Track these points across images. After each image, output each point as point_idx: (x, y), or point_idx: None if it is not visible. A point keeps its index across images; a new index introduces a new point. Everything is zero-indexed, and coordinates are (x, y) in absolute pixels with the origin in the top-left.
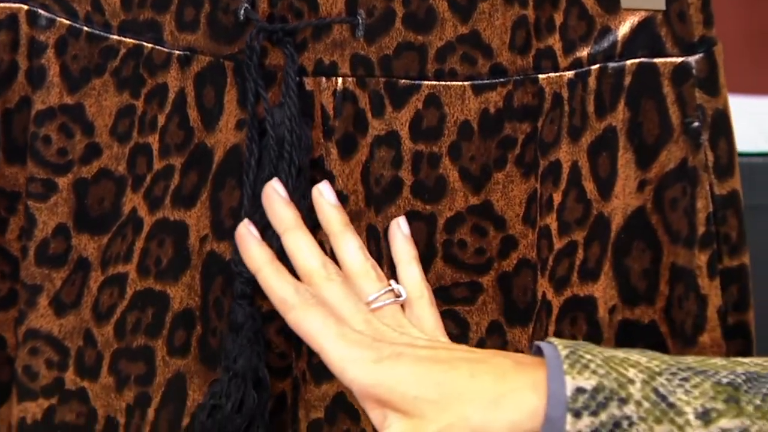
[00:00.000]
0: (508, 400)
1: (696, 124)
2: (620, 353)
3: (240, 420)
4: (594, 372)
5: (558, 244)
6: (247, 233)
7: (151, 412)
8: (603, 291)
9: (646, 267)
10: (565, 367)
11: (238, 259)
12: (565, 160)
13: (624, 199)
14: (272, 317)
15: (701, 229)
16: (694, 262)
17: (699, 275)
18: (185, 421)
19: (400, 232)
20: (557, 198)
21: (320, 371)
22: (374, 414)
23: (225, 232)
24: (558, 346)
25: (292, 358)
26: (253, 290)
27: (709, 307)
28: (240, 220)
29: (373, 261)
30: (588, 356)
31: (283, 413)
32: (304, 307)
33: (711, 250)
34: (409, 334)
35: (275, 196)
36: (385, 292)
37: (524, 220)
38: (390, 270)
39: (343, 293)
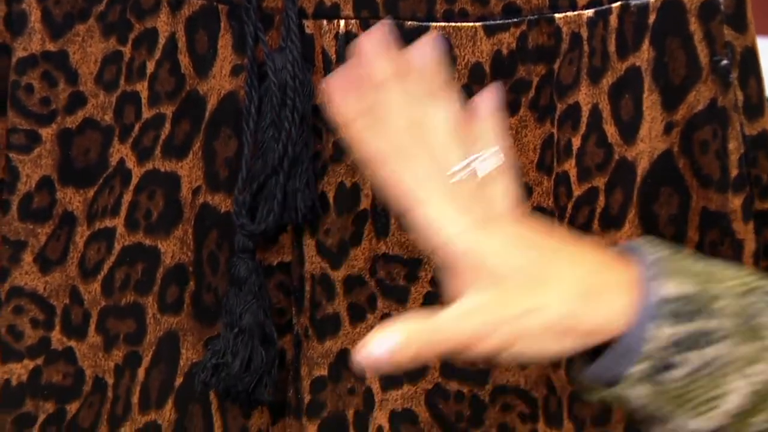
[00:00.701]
0: (599, 295)
1: (725, 62)
2: (715, 266)
3: (248, 378)
4: (684, 281)
5: (577, 191)
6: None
7: (141, 372)
8: (628, 239)
9: (673, 213)
10: (656, 272)
11: (239, 211)
12: (584, 102)
13: (650, 143)
14: (271, 272)
15: (734, 172)
16: (728, 206)
17: (734, 219)
18: (178, 380)
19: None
20: (576, 142)
21: (324, 327)
22: (454, 281)
23: (220, 183)
24: (652, 250)
25: (291, 314)
26: (255, 244)
27: (744, 252)
28: (237, 170)
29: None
30: (680, 264)
31: (283, 371)
32: (406, 155)
33: (745, 193)
34: (499, 206)
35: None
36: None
37: (538, 167)
38: (398, 222)
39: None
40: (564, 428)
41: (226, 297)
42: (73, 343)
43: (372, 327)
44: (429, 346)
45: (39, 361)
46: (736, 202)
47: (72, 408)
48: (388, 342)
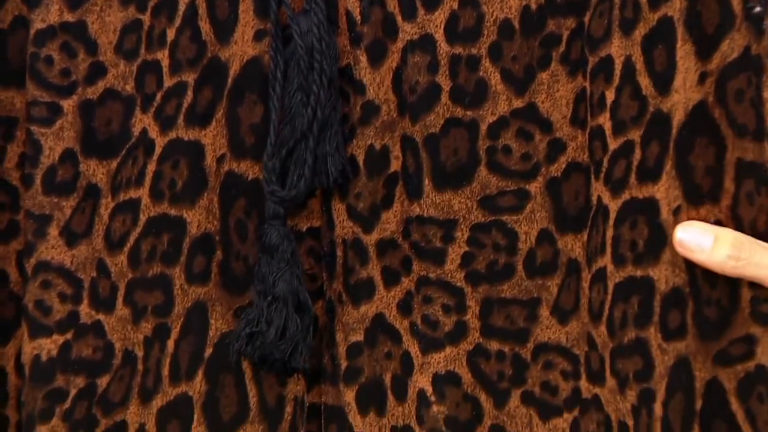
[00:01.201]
0: None
1: (758, 9)
2: None
3: (284, 346)
4: None
5: (613, 145)
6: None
7: (170, 344)
8: (666, 192)
9: (710, 164)
10: None
11: (269, 178)
12: (617, 55)
13: (685, 94)
14: (301, 238)
15: None
16: (765, 155)
17: None
18: (208, 351)
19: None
20: (610, 96)
21: (359, 292)
22: None
23: (246, 150)
24: None
25: (323, 280)
26: (286, 210)
27: None
28: (264, 136)
29: None
30: None
31: (315, 337)
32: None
33: None
34: None
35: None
36: None
37: (572, 122)
38: (433, 183)
39: None
40: (606, 384)
41: (257, 265)
42: (101, 317)
43: (407, 290)
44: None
45: (68, 335)
46: None
47: (102, 382)
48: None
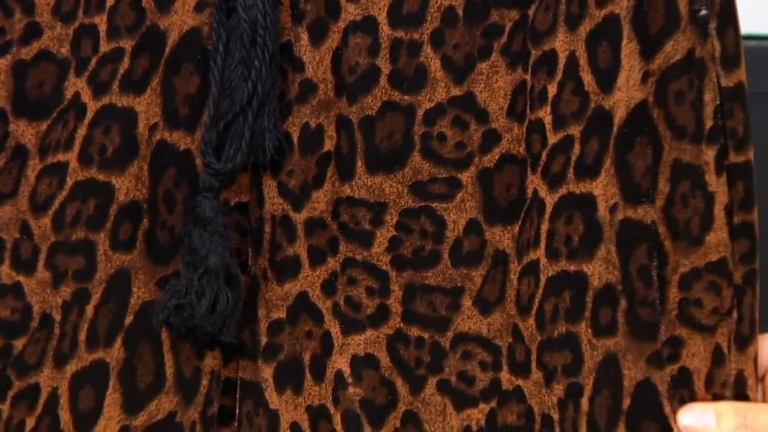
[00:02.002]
0: None
1: (704, 12)
2: None
3: (215, 319)
4: None
5: (552, 139)
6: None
7: (90, 309)
8: (604, 188)
9: (648, 164)
10: None
11: (206, 150)
12: (561, 49)
13: (627, 92)
14: (228, 212)
15: (709, 123)
16: (702, 157)
17: (706, 171)
18: (128, 319)
19: None
20: (552, 90)
21: (284, 269)
22: None
23: (179, 120)
24: None
25: (247, 255)
26: (221, 183)
27: (716, 205)
28: (198, 108)
29: None
30: None
31: None
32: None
33: (718, 145)
34: None
35: None
36: None
37: (509, 114)
38: (365, 165)
39: None
40: (532, 376)
41: (188, 236)
42: (21, 278)
43: (332, 270)
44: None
45: None
46: (709, 153)
47: (19, 344)
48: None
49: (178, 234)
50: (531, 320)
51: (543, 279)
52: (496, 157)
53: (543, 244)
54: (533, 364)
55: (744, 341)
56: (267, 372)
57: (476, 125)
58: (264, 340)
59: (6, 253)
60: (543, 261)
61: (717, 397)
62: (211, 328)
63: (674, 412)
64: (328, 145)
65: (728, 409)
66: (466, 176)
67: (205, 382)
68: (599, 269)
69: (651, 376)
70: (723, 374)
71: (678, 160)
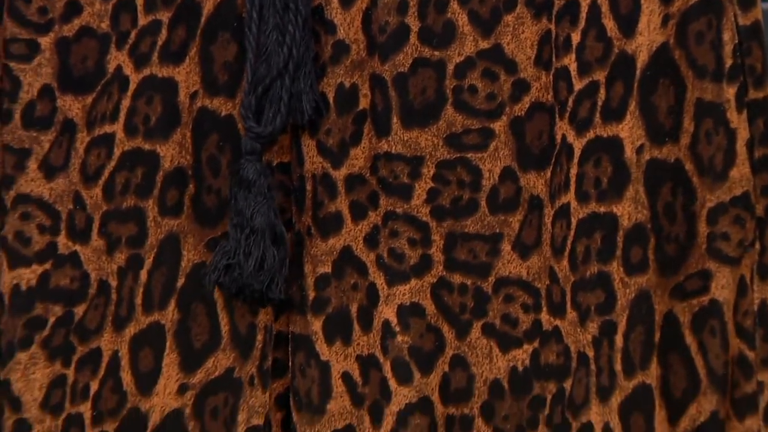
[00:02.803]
0: None
1: None
2: None
3: (263, 277)
4: None
5: (578, 85)
6: None
7: (143, 274)
8: (630, 131)
9: (671, 104)
10: None
11: (246, 114)
12: None
13: (649, 36)
14: (271, 172)
15: (728, 62)
16: (723, 95)
17: (728, 109)
18: (180, 281)
19: None
20: (576, 38)
21: (327, 224)
22: None
23: (219, 87)
24: None
25: (291, 213)
26: (262, 146)
27: (738, 141)
28: (237, 74)
29: None
30: None
31: None
32: None
33: (738, 83)
34: None
35: None
36: None
37: (536, 63)
38: (401, 121)
39: None
40: (567, 316)
41: (233, 199)
42: (77, 248)
43: (374, 224)
44: None
45: (47, 265)
46: (730, 91)
47: (79, 311)
48: None
49: (224, 197)
50: (564, 262)
51: (574, 221)
52: (527, 105)
53: (573, 187)
54: (568, 305)
55: (767, 271)
56: (316, 325)
57: (505, 76)
58: (312, 294)
59: (62, 224)
60: (573, 204)
61: (740, 328)
62: (259, 286)
63: (696, 342)
64: (363, 103)
65: None
66: (498, 126)
67: (260, 337)
68: (628, 209)
69: (673, 308)
70: (746, 304)
71: (700, 99)
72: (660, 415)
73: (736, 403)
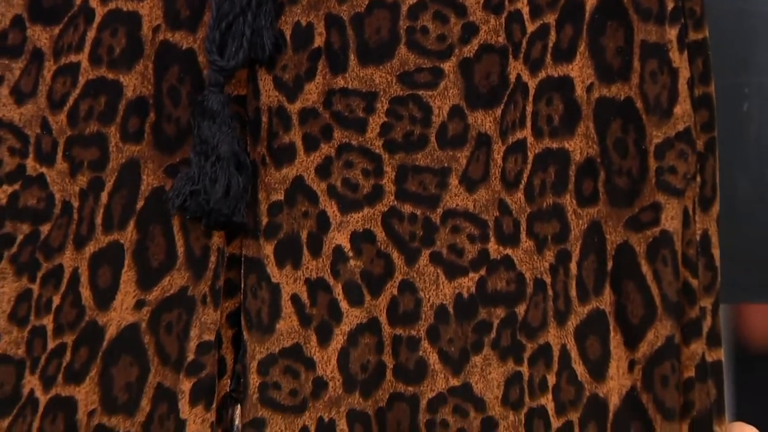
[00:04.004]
0: None
1: None
2: None
3: (230, 203)
4: None
5: (530, 27)
6: None
7: (104, 196)
8: (579, 70)
9: (620, 45)
10: None
11: (211, 48)
12: None
13: None
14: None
15: (670, 5)
16: (666, 37)
17: (670, 49)
18: (140, 204)
19: None
20: None
21: (281, 155)
22: None
23: (181, 22)
24: None
25: (246, 143)
26: (225, 79)
27: (680, 80)
28: (199, 10)
29: None
30: None
31: None
32: None
33: (680, 25)
34: None
35: None
36: None
37: (485, 7)
38: (357, 58)
39: None
40: (521, 245)
41: (197, 128)
42: (44, 170)
43: (326, 156)
44: None
45: (16, 186)
46: (672, 33)
47: (45, 229)
48: None
49: (183, 125)
50: (519, 194)
51: (530, 156)
52: (475, 47)
53: (529, 124)
54: (523, 234)
55: (707, 203)
56: (268, 249)
57: (455, 19)
58: (264, 220)
59: (30, 147)
60: (530, 140)
61: (685, 258)
62: (226, 211)
63: (652, 271)
64: (318, 41)
65: None
66: (447, 66)
67: (213, 258)
68: (580, 145)
69: (628, 239)
70: (689, 234)
71: (645, 41)
72: (615, 339)
73: (682, 329)
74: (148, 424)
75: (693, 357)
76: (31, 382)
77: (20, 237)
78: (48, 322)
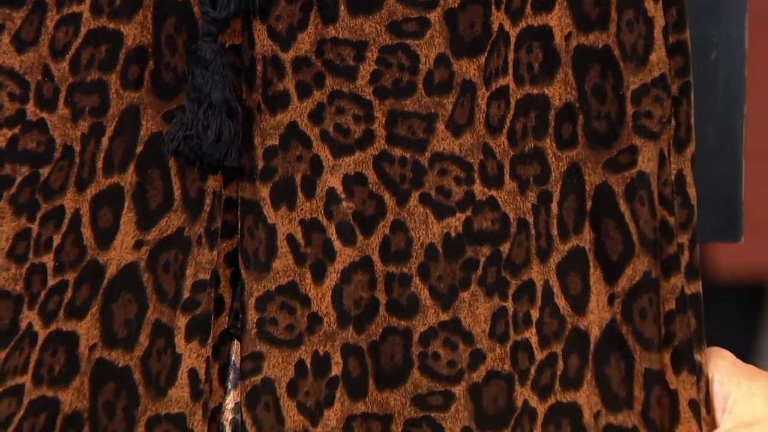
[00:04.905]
0: None
1: None
2: None
3: (221, 148)
4: None
5: None
6: None
7: (105, 141)
8: (558, 20)
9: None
10: None
11: (203, 0)
12: None
13: None
14: (224, 53)
15: None
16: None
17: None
18: (139, 148)
19: None
20: None
21: (275, 102)
22: None
23: None
24: None
25: (242, 91)
26: (218, 29)
27: (655, 28)
28: None
29: None
30: None
31: None
32: None
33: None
34: None
35: None
36: None
37: None
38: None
39: None
40: (505, 186)
41: (191, 76)
42: (45, 115)
43: (319, 102)
44: None
45: (16, 130)
46: None
47: (44, 172)
48: None
49: (179, 73)
50: (503, 138)
51: (513, 102)
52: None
53: (510, 71)
54: (506, 176)
55: (682, 144)
56: (264, 191)
57: None
58: (260, 164)
59: (30, 93)
60: (512, 86)
61: (661, 197)
62: (218, 155)
63: (630, 210)
64: None
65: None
66: (433, 15)
67: (208, 201)
68: (559, 91)
69: (607, 179)
70: (665, 175)
71: None
72: (595, 275)
73: (662, 264)
74: (147, 359)
75: (673, 290)
76: (29, 317)
77: (19, 178)
78: (48, 260)
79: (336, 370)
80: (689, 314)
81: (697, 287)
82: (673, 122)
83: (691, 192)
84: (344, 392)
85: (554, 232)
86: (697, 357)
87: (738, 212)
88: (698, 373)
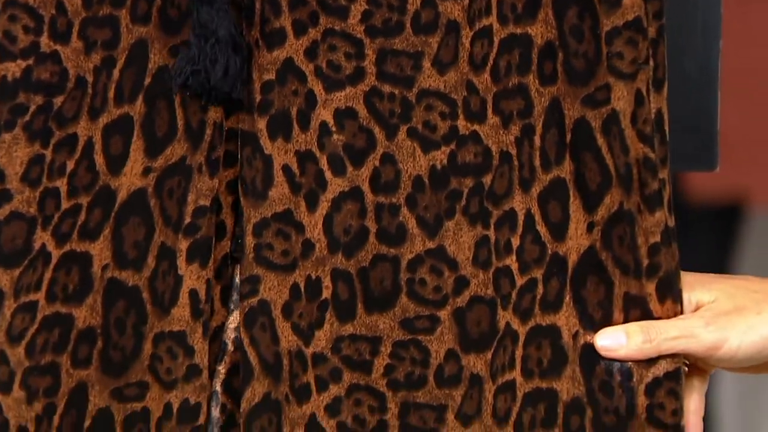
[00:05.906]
0: None
1: None
2: None
3: (228, 81)
4: None
5: None
6: None
7: (116, 72)
8: None
9: None
10: None
11: None
12: None
13: None
14: None
15: None
16: None
17: None
18: (147, 80)
19: None
20: None
21: (273, 38)
22: None
23: None
24: None
25: (242, 28)
26: None
27: None
28: None
29: None
30: None
31: None
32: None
33: None
34: None
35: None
36: None
37: None
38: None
39: None
40: (488, 121)
41: (197, 13)
42: (58, 47)
43: (313, 40)
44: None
45: (30, 61)
46: None
47: (58, 101)
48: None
49: (184, 9)
50: (486, 75)
51: (496, 40)
52: None
53: (494, 11)
54: (489, 111)
55: (659, 84)
56: (261, 123)
57: None
58: (258, 97)
59: (44, 26)
60: (495, 25)
61: (641, 134)
62: (226, 89)
63: (606, 144)
64: None
65: (634, 328)
66: None
67: (209, 131)
68: (541, 30)
69: (585, 114)
70: (644, 113)
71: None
72: (575, 204)
73: (647, 199)
74: (153, 279)
75: (658, 224)
76: (43, 238)
77: (33, 107)
78: (62, 184)
79: (326, 293)
80: (674, 246)
81: (672, 220)
82: (651, 63)
83: (667, 129)
84: (333, 314)
85: (537, 163)
86: (678, 286)
87: (714, 142)
88: (680, 301)
